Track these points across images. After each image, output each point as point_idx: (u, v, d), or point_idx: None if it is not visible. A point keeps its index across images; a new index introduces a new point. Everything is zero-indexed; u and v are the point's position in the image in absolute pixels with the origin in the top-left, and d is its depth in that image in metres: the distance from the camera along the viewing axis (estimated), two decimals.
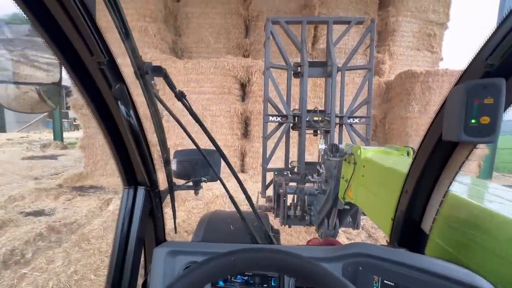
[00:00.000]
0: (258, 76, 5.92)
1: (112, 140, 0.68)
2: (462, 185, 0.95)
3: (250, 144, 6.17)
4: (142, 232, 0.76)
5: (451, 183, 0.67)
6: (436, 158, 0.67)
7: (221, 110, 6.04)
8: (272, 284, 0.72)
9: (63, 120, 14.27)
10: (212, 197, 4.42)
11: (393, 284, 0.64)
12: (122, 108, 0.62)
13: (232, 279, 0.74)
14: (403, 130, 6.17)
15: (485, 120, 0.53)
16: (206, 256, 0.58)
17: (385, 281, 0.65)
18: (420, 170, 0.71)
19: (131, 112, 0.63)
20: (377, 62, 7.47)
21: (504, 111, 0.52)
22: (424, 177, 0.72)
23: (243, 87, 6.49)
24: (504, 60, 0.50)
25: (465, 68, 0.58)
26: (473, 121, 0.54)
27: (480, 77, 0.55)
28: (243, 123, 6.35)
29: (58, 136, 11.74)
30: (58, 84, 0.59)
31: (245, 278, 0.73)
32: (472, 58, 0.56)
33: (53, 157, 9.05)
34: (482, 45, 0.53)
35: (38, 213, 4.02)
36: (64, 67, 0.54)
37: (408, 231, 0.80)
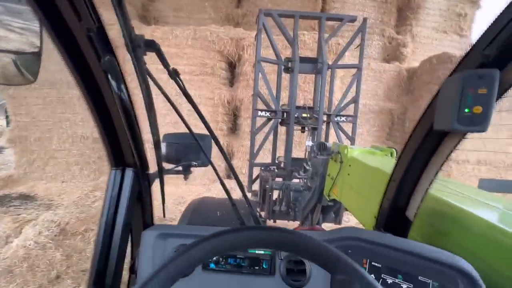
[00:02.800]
0: (251, 53, 4.33)
1: (99, 116, 0.64)
2: None
3: (239, 142, 4.64)
4: (129, 215, 0.73)
5: (437, 172, 0.70)
6: (425, 147, 0.69)
7: (201, 97, 4.44)
8: (264, 266, 0.72)
9: None
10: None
11: (380, 265, 0.67)
12: (112, 82, 0.58)
13: (223, 262, 0.72)
14: None
15: (478, 109, 0.55)
16: (197, 239, 0.59)
17: (373, 263, 0.67)
18: (409, 159, 0.73)
19: (122, 86, 0.59)
20: (397, 44, 6.12)
21: (495, 101, 0.54)
22: (412, 166, 0.74)
23: (232, 67, 4.86)
24: (500, 52, 0.52)
25: (462, 58, 0.59)
26: (466, 110, 0.55)
27: (476, 67, 0.56)
28: (230, 115, 4.79)
29: None
30: (38, 54, 0.52)
31: (237, 260, 0.73)
32: (470, 48, 0.57)
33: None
34: (480, 35, 0.54)
35: None
36: (48, 32, 0.49)
37: (393, 218, 0.83)
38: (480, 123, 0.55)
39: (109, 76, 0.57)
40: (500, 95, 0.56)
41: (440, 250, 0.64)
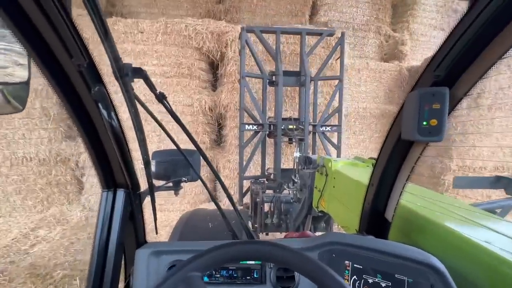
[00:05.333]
0: (236, 49, 3.50)
1: (90, 142, 0.71)
2: None
3: (225, 157, 3.81)
4: (122, 235, 0.78)
5: (409, 176, 0.81)
6: (397, 154, 0.81)
7: (177, 103, 3.59)
8: (255, 275, 0.78)
9: None
10: None
11: (362, 267, 0.74)
12: (102, 110, 0.64)
13: (216, 274, 0.78)
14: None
15: (434, 122, 0.64)
16: (191, 254, 0.61)
17: (355, 265, 0.75)
18: (383, 165, 0.84)
19: (112, 114, 0.66)
20: (395, 42, 5.61)
21: (448, 115, 0.65)
22: (387, 171, 0.84)
23: (214, 67, 3.98)
24: (448, 72, 0.62)
25: (418, 77, 0.70)
26: (424, 123, 0.64)
27: (430, 85, 0.67)
28: (213, 124, 3.90)
29: None
30: (26, 83, 0.55)
31: (229, 271, 0.78)
32: (424, 68, 0.69)
33: None
34: (431, 57, 0.65)
35: None
36: (41, 70, 0.55)
37: (374, 220, 0.92)
38: (436, 134, 0.64)
39: (99, 105, 0.63)
40: (452, 109, 0.66)
41: (413, 249, 0.73)
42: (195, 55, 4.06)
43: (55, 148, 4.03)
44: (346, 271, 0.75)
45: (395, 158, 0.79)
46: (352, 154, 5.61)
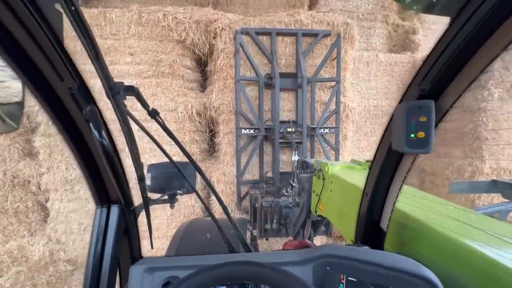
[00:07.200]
0: (227, 40, 2.81)
1: (82, 160, 0.73)
2: None
3: (219, 169, 3.18)
4: (117, 251, 0.81)
5: (401, 186, 0.83)
6: (388, 164, 0.83)
7: (157, 109, 2.71)
8: None
9: None
10: None
11: (356, 280, 0.75)
12: (94, 129, 0.66)
13: None
14: (472, 129, 3.54)
15: (421, 134, 0.65)
16: (185, 269, 0.70)
17: (349, 278, 0.75)
18: (376, 175, 0.86)
19: (103, 132, 0.69)
20: (404, 32, 4.93)
21: (435, 127, 0.66)
22: (380, 181, 0.87)
23: (201, 64, 3.29)
24: (433, 85, 0.64)
25: (404, 90, 0.73)
26: (412, 135, 0.66)
27: (416, 98, 0.69)
28: (204, 131, 3.20)
29: None
30: (20, 103, 0.58)
31: (223, 286, 0.81)
32: (410, 82, 0.71)
33: None
34: (417, 71, 0.67)
35: None
36: (32, 93, 0.57)
37: (369, 230, 0.93)
38: (424, 146, 0.64)
39: (91, 125, 0.64)
40: (438, 122, 0.66)
41: (408, 260, 0.74)
42: (178, 49, 3.46)
43: (11, 169, 3.38)
44: (341, 284, 0.74)
45: (388, 168, 0.81)
46: (363, 159, 4.97)
